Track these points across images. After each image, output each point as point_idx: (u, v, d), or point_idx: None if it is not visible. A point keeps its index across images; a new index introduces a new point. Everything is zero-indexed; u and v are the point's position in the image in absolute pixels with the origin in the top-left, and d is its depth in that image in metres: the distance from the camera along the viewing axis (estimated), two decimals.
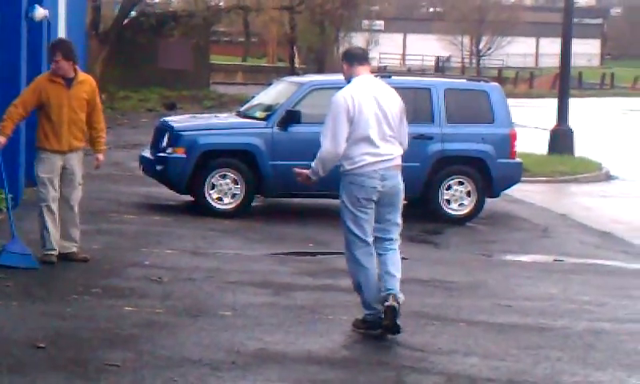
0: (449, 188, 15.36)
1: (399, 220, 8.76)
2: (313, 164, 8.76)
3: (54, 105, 10.53)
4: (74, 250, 10.79)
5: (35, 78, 11.02)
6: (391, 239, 8.71)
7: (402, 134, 8.74)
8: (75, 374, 7.05)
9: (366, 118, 8.47)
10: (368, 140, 8.48)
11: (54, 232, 10.58)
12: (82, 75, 10.84)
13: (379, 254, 8.69)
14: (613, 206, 18.56)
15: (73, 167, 10.69)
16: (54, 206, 10.60)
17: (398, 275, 8.60)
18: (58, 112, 10.54)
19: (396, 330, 8.45)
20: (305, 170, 8.93)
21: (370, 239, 8.66)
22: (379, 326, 8.54)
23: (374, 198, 8.57)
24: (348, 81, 8.79)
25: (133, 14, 42.58)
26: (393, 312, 8.41)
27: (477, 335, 8.92)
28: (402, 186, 8.69)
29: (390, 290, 8.49)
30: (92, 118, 10.82)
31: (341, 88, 15.81)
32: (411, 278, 11.16)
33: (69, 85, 10.61)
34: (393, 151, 8.58)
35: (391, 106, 8.61)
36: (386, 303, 8.44)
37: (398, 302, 8.46)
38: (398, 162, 8.63)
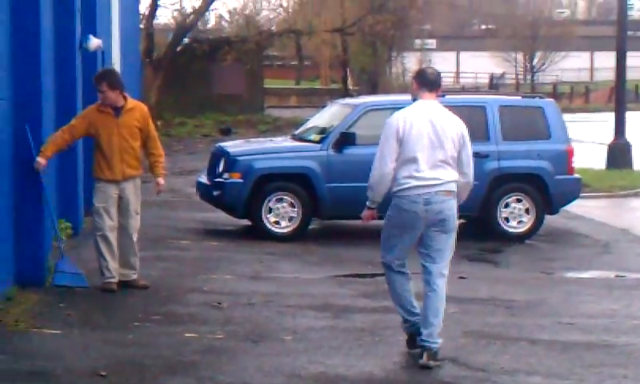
0: (507, 205, 15.25)
1: (447, 250, 8.46)
2: (367, 192, 8.62)
3: (104, 134, 10.61)
4: (134, 277, 10.85)
5: (86, 108, 11.15)
6: (433, 272, 8.43)
7: (463, 163, 8.48)
8: None
9: (415, 140, 8.28)
10: (415, 162, 8.28)
11: (110, 260, 10.64)
12: (132, 102, 10.90)
13: (424, 292, 8.49)
14: None
15: (128, 196, 10.75)
16: (111, 235, 10.66)
17: (437, 322, 8.37)
18: (108, 141, 10.62)
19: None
20: (366, 211, 8.77)
21: (396, 264, 8.60)
22: (413, 346, 8.54)
23: (417, 225, 8.35)
24: (413, 100, 8.67)
25: (186, 40, 42.92)
26: (426, 368, 8.24)
27: (539, 354, 8.82)
28: (451, 212, 8.36)
29: (425, 342, 8.31)
30: (148, 144, 10.89)
31: (394, 108, 15.88)
32: (471, 297, 11.14)
33: (117, 114, 10.68)
34: (441, 176, 8.31)
35: (448, 132, 8.37)
36: (420, 361, 8.27)
37: (435, 359, 8.28)
38: (449, 187, 8.35)
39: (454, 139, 8.41)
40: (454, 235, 8.52)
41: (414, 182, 8.30)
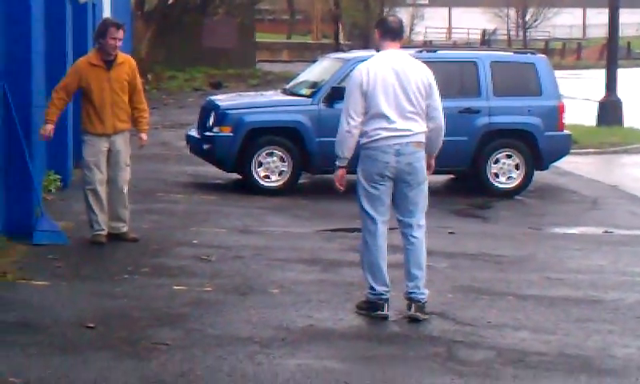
0: (497, 161, 15.26)
1: (421, 202, 8.39)
2: (335, 148, 8.45)
3: (96, 88, 10.54)
4: (124, 230, 10.85)
5: (75, 62, 11.02)
6: (411, 225, 8.36)
7: (430, 108, 8.33)
8: (125, 354, 7.09)
9: (380, 92, 8.19)
10: (383, 115, 8.20)
11: (100, 213, 10.62)
12: (122, 56, 10.82)
13: (404, 246, 8.44)
14: None
15: (119, 149, 10.72)
16: (100, 189, 10.64)
17: (421, 274, 8.35)
18: (100, 95, 10.55)
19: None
20: (337, 171, 8.58)
21: (381, 218, 8.36)
22: (377, 309, 8.31)
23: (389, 174, 8.26)
24: (377, 51, 8.57)
25: None
26: (416, 320, 8.25)
27: (527, 309, 8.86)
28: (419, 164, 8.30)
29: (412, 294, 8.31)
30: (134, 99, 10.83)
31: None
32: (460, 252, 11.18)
33: (109, 67, 10.61)
34: (412, 127, 8.24)
35: (415, 81, 8.24)
36: (409, 312, 8.29)
37: (423, 311, 8.29)
38: (419, 138, 8.29)
39: (420, 88, 8.27)
40: (424, 187, 8.44)
41: (384, 133, 8.21)
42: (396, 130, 8.22)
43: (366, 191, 8.43)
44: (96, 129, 10.60)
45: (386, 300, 8.35)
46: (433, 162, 8.65)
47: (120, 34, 10.61)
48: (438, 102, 8.41)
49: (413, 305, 8.28)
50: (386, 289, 8.36)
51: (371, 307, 8.38)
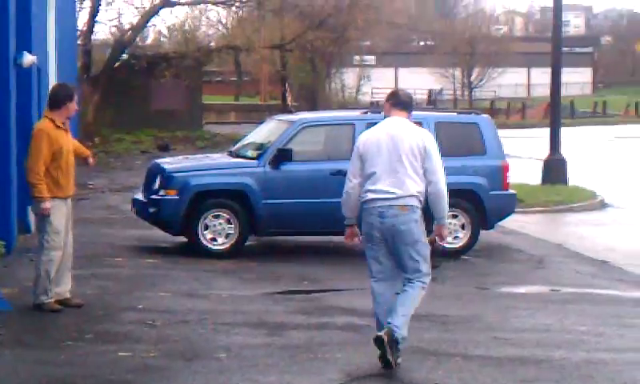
0: None
1: (410, 262, 8.68)
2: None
3: (65, 152, 10.49)
4: (68, 295, 10.73)
5: (38, 130, 10.55)
6: (408, 278, 8.75)
7: (427, 171, 8.63)
8: None
9: (373, 155, 8.62)
10: (372, 175, 8.61)
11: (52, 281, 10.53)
12: None
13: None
14: (608, 235, 18.52)
15: (70, 211, 10.69)
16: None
17: (402, 312, 8.63)
18: (67, 158, 10.52)
19: (385, 362, 8.52)
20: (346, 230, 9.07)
21: (376, 276, 8.82)
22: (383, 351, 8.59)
23: (377, 234, 8.62)
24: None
25: (124, 56, 42.67)
26: (379, 342, 8.51)
27: (473, 369, 8.85)
28: (406, 226, 8.55)
29: (389, 324, 8.58)
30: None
31: (332, 124, 15.93)
32: None
33: (65, 128, 10.63)
34: (398, 190, 8.52)
35: (409, 143, 8.57)
36: (379, 333, 8.59)
37: (391, 337, 8.48)
38: (405, 202, 8.55)
39: (414, 150, 8.58)
40: (418, 247, 8.69)
41: (370, 195, 8.62)
42: (381, 191, 8.57)
43: (366, 248, 8.85)
44: (64, 192, 10.53)
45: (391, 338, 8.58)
46: (443, 231, 8.93)
47: (76, 99, 10.72)
48: (436, 166, 8.71)
49: (385, 331, 8.53)
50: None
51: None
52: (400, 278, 8.82)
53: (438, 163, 8.72)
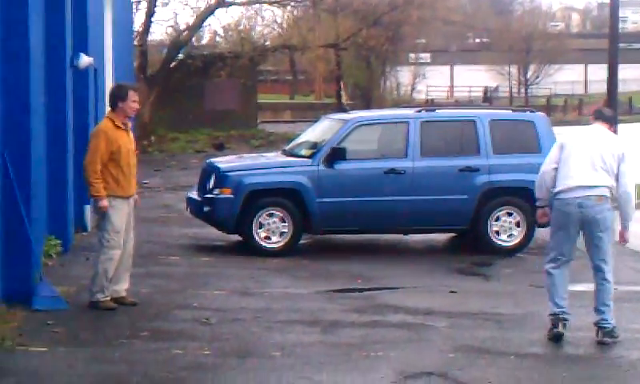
0: (497, 219, 15.23)
1: (604, 245, 9.82)
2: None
3: (124, 151, 10.59)
4: (124, 294, 10.84)
5: (97, 129, 10.81)
6: (597, 266, 9.92)
7: (622, 174, 9.69)
8: None
9: (572, 151, 9.77)
10: (571, 169, 9.72)
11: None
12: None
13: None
14: None
15: (131, 210, 10.80)
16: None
17: (606, 309, 9.80)
18: (127, 157, 10.62)
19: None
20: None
21: (558, 261, 9.98)
22: (555, 326, 9.78)
23: (572, 222, 9.73)
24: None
25: (180, 56, 42.88)
26: (603, 343, 9.70)
27: (527, 368, 8.82)
28: (601, 215, 9.65)
29: (599, 323, 9.78)
30: None
31: (385, 123, 15.94)
32: (461, 311, 11.15)
33: (126, 129, 10.73)
34: (594, 182, 9.62)
35: (607, 147, 9.73)
36: (597, 338, 9.78)
37: (611, 336, 9.73)
38: (600, 192, 9.64)
39: (612, 153, 9.71)
40: (609, 234, 9.84)
41: (569, 184, 9.70)
42: (580, 182, 9.69)
43: (554, 234, 10.10)
44: (125, 191, 10.63)
45: (561, 319, 9.78)
46: (625, 234, 10.02)
47: (137, 97, 10.75)
48: (628, 171, 9.78)
49: (600, 331, 9.73)
50: (562, 310, 9.81)
51: (552, 327, 9.83)
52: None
53: (630, 169, 9.78)
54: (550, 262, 10.00)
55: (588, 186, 9.64)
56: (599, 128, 10.05)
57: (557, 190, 9.80)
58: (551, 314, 9.88)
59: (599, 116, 10.26)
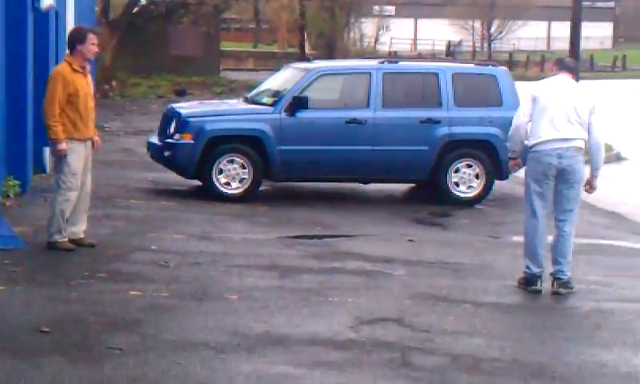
0: (457, 171, 15.32)
1: (575, 197, 9.97)
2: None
3: (81, 94, 10.48)
4: (82, 235, 10.81)
5: (55, 72, 10.67)
6: (561, 219, 9.97)
7: (593, 125, 9.86)
8: (79, 358, 7.06)
9: (546, 103, 9.78)
10: (547, 122, 9.75)
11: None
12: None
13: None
14: (622, 188, 18.50)
15: (89, 153, 10.73)
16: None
17: (564, 261, 9.90)
18: (84, 100, 10.51)
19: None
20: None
21: (541, 211, 9.99)
22: (532, 284, 9.88)
23: (551, 173, 9.79)
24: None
25: (143, 1, 42.51)
26: (558, 294, 9.83)
27: (482, 316, 8.91)
28: (578, 165, 9.82)
29: (555, 274, 9.88)
30: None
31: (348, 73, 15.94)
32: (418, 260, 11.24)
33: (85, 72, 10.64)
34: (572, 134, 9.74)
35: (579, 98, 9.82)
36: (552, 288, 9.87)
37: (565, 287, 9.85)
38: (577, 144, 9.80)
39: (584, 104, 9.82)
40: (580, 187, 10.00)
41: (548, 137, 9.75)
42: (559, 134, 9.78)
43: (533, 187, 10.07)
44: (82, 134, 10.53)
45: (539, 277, 9.89)
46: (594, 182, 10.18)
47: (97, 40, 10.66)
48: (599, 122, 9.96)
49: (555, 282, 9.87)
50: (540, 269, 9.91)
51: (528, 283, 9.93)
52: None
53: (599, 119, 9.92)
54: (531, 215, 10.02)
55: (565, 138, 9.73)
56: (566, 79, 10.10)
57: (534, 142, 9.85)
58: (530, 273, 9.93)
59: (563, 66, 10.30)
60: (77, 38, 10.63)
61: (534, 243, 9.96)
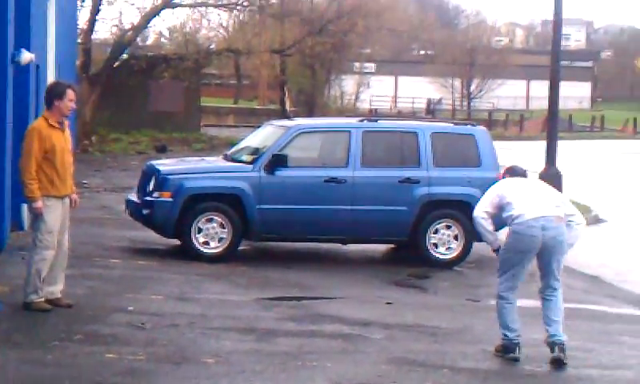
0: (436, 232, 15.32)
1: (560, 267, 9.92)
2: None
3: (58, 150, 10.43)
4: (59, 295, 10.71)
5: (31, 128, 10.62)
6: (552, 287, 9.91)
7: (571, 216, 9.84)
8: None
9: (517, 193, 9.77)
10: (523, 204, 9.67)
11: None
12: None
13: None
14: (601, 250, 18.54)
15: (66, 210, 10.65)
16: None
17: (560, 320, 9.76)
18: (62, 156, 10.44)
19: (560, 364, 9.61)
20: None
21: (516, 287, 9.99)
22: (511, 351, 9.71)
23: (535, 247, 9.66)
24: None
25: (124, 56, 42.65)
26: (559, 363, 9.58)
27: (460, 382, 8.86)
28: (561, 237, 9.67)
29: (553, 336, 9.67)
30: None
31: (327, 131, 15.90)
32: (397, 323, 11.17)
33: (62, 128, 10.58)
34: (552, 208, 9.67)
35: (548, 188, 10.05)
36: (552, 354, 9.63)
37: (563, 351, 9.61)
38: (558, 213, 9.69)
39: (555, 194, 10.00)
40: (563, 258, 9.95)
41: (529, 214, 9.62)
42: (539, 209, 9.70)
43: (514, 263, 9.89)
44: (59, 191, 10.46)
45: (517, 344, 9.73)
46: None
47: (75, 96, 10.64)
48: (575, 211, 9.99)
49: (556, 347, 9.63)
50: (518, 335, 9.76)
51: (506, 350, 9.76)
52: None
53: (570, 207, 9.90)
54: (507, 290, 9.88)
55: (546, 208, 9.65)
56: (526, 179, 10.17)
57: (515, 214, 9.66)
58: (507, 340, 9.77)
59: (514, 172, 10.25)
60: (55, 93, 10.60)
61: (505, 317, 9.88)
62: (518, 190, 9.85)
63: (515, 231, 9.67)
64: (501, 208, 9.82)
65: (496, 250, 10.05)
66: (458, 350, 10.05)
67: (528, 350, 10.11)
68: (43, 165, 10.38)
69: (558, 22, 24.94)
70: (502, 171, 10.62)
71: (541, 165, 25.45)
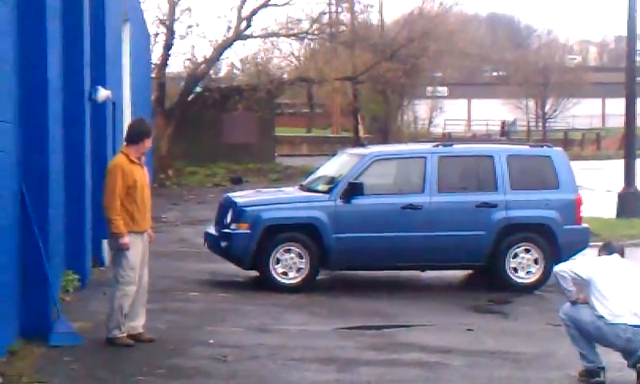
0: (515, 256, 15.18)
1: None
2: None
3: (139, 186, 10.58)
4: (141, 330, 10.81)
5: (113, 165, 10.73)
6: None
7: None
8: None
9: (606, 276, 9.60)
10: (612, 295, 9.52)
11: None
12: None
13: None
14: None
15: (146, 246, 10.78)
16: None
17: None
18: (142, 192, 10.60)
19: None
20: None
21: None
22: (596, 375, 9.63)
23: (615, 345, 9.61)
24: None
25: (197, 89, 43.06)
26: None
27: None
28: None
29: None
30: None
31: (403, 157, 15.80)
32: (478, 349, 11.07)
33: (141, 163, 10.73)
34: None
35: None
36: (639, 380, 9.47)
37: None
38: None
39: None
40: None
41: (617, 319, 9.44)
42: (628, 315, 9.50)
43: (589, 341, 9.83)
44: (140, 226, 10.61)
45: (602, 368, 9.67)
46: None
47: (150, 136, 10.86)
48: None
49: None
50: (599, 360, 9.70)
51: (589, 375, 9.71)
52: None
53: None
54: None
55: (636, 314, 9.42)
56: (620, 259, 9.93)
57: (601, 314, 9.52)
58: (589, 364, 9.74)
59: (611, 249, 10.08)
60: (141, 131, 10.75)
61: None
62: (609, 281, 9.60)
63: (599, 326, 9.54)
64: (584, 287, 9.71)
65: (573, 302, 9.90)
66: (542, 376, 9.93)
67: (613, 374, 9.96)
68: (125, 201, 10.51)
69: (631, 38, 24.73)
70: (597, 250, 10.35)
71: (620, 184, 25.17)
